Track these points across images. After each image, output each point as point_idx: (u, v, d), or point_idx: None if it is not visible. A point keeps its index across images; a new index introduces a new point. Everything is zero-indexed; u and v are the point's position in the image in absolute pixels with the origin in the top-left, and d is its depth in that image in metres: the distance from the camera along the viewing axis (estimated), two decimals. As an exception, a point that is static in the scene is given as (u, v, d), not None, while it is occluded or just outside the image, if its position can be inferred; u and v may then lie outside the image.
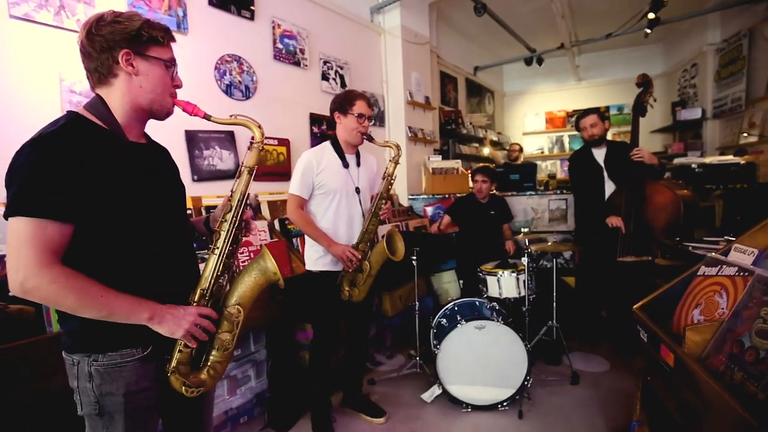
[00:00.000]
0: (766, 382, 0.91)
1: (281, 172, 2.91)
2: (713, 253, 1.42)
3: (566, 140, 7.10)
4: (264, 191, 2.77)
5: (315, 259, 2.04)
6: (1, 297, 1.42)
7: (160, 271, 1.02)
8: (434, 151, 4.44)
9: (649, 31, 4.68)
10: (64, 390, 1.00)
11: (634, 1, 4.48)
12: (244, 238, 1.17)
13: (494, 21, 4.70)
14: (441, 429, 2.18)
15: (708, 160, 3.46)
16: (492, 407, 2.28)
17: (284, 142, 2.97)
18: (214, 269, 1.06)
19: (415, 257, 2.71)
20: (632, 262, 2.51)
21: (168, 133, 2.23)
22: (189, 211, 2.21)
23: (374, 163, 2.25)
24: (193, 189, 2.38)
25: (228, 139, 2.57)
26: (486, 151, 6.00)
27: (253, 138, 1.13)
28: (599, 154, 2.92)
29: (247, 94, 2.74)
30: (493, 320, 2.30)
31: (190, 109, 1.05)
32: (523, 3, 4.87)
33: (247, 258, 2.23)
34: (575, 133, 3.28)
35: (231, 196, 1.11)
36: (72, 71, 1.90)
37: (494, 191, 3.43)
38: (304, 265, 2.12)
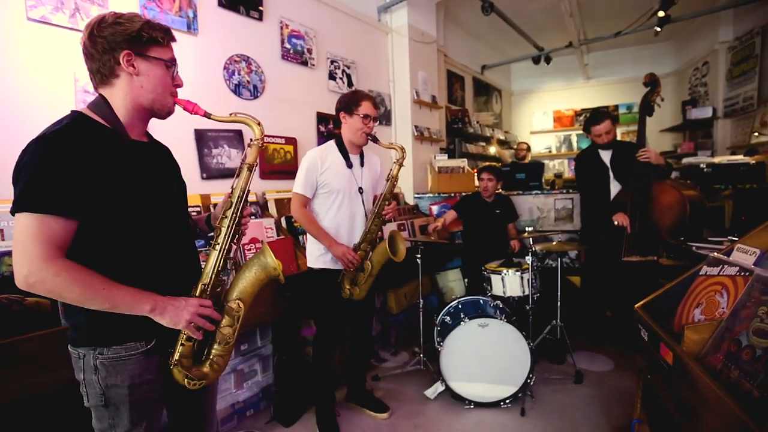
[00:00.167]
0: (761, 380, 0.92)
1: (288, 170, 2.95)
2: (715, 253, 1.42)
3: (574, 139, 7.05)
4: (271, 189, 2.81)
5: (316, 256, 2.07)
6: (18, 290, 1.48)
7: (162, 270, 1.04)
8: (440, 150, 4.45)
9: (659, 29, 4.62)
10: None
11: (643, -1, 4.44)
12: (253, 236, 1.20)
13: (502, 20, 4.68)
14: (443, 425, 2.21)
15: (717, 159, 3.42)
16: (494, 404, 2.30)
17: (291, 141, 3.01)
18: (215, 264, 1.08)
19: (419, 255, 2.74)
20: (637, 261, 2.51)
21: (178, 132, 2.29)
22: (198, 209, 2.26)
23: (378, 163, 2.27)
24: (202, 187, 2.43)
25: (236, 138, 2.61)
26: (492, 149, 5.99)
27: (252, 135, 1.15)
28: (605, 154, 2.91)
29: (256, 93, 2.78)
30: (497, 318, 2.32)
31: (191, 108, 1.06)
32: (531, 1, 4.85)
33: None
34: (583, 132, 3.26)
35: (231, 192, 1.13)
36: (86, 72, 1.95)
37: (500, 190, 3.44)
38: (308, 262, 2.16)
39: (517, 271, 2.65)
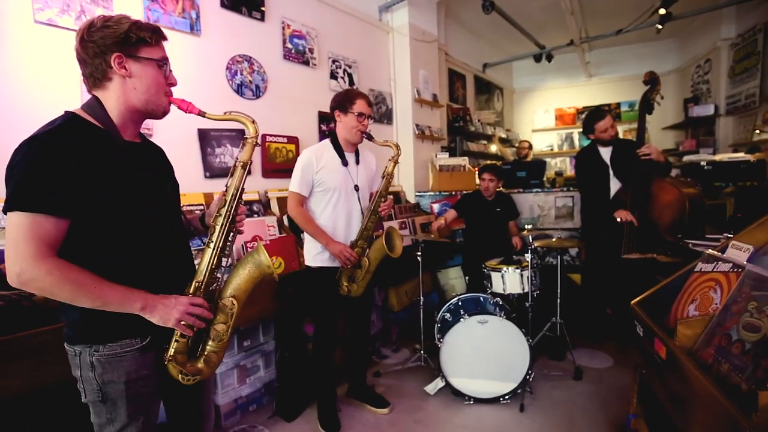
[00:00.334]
0: (749, 374, 0.94)
1: (290, 169, 2.93)
2: (710, 250, 1.44)
3: (576, 137, 7.05)
4: (273, 188, 2.84)
5: (313, 255, 2.09)
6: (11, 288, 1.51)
7: (156, 270, 1.04)
8: (441, 149, 4.47)
9: (660, 27, 4.62)
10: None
11: (645, -4, 4.43)
12: (255, 233, 1.22)
13: (503, 18, 4.69)
14: (443, 420, 2.24)
15: (717, 157, 3.42)
16: (494, 400, 2.33)
17: (293, 140, 3.04)
18: (209, 262, 1.08)
19: (419, 253, 2.76)
20: (637, 259, 2.53)
21: (181, 132, 2.33)
22: (201, 207, 2.29)
23: (373, 161, 2.29)
24: (205, 185, 2.46)
25: (239, 137, 2.64)
26: (494, 148, 6.00)
27: (247, 133, 1.15)
28: (605, 152, 2.93)
29: (258, 93, 2.81)
30: (496, 315, 2.35)
31: (185, 107, 1.06)
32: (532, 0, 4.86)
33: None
34: (583, 133, 3.26)
35: (225, 191, 1.13)
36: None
37: (501, 188, 3.45)
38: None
39: (517, 268, 2.67)
